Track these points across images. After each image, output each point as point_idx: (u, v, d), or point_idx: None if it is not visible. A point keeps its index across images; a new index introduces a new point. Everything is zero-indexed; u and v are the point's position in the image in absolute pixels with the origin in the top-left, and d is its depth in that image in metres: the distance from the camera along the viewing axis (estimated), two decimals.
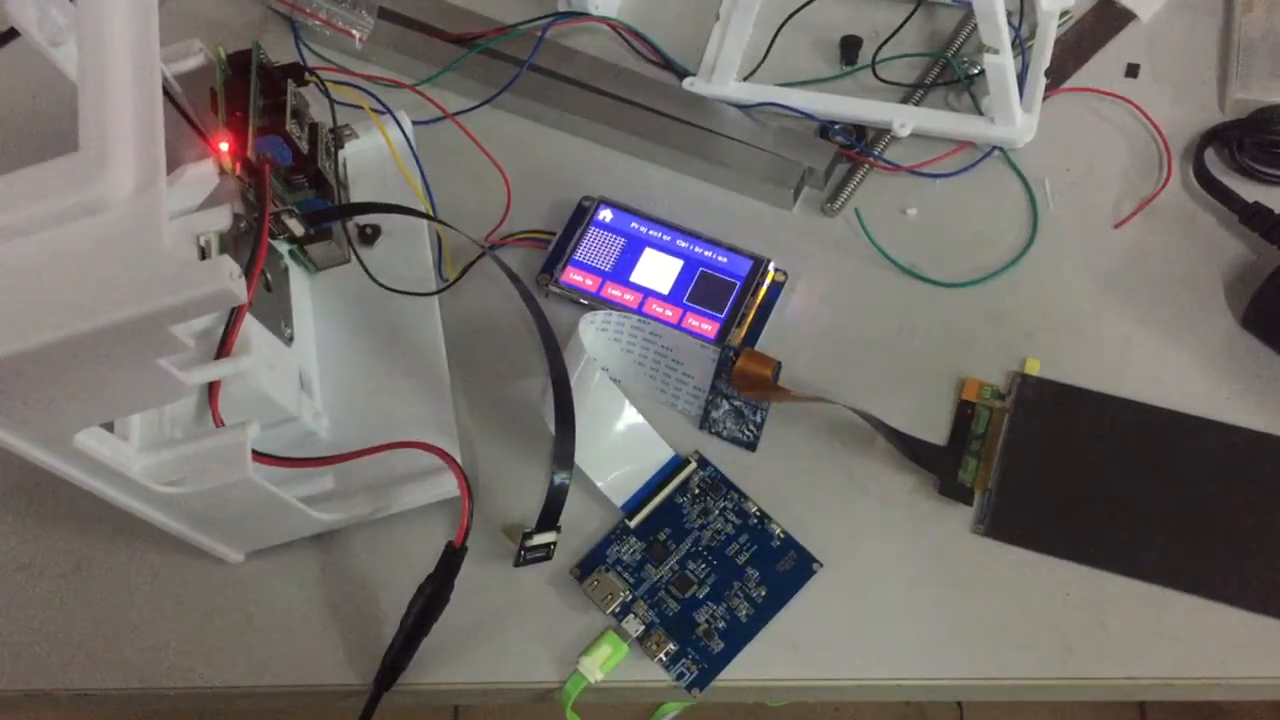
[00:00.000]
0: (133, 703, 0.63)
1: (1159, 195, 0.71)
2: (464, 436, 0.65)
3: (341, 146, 0.70)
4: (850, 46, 0.79)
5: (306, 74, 0.64)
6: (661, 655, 0.59)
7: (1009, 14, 0.68)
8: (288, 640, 0.62)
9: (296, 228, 0.62)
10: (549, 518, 0.59)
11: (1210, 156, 0.71)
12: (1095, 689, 0.58)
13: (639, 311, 0.68)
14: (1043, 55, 0.74)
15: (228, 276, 0.38)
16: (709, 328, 0.67)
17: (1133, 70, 0.77)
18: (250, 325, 0.57)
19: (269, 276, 0.63)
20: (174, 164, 0.61)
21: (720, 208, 0.73)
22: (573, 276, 0.69)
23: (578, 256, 0.70)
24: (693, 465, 0.64)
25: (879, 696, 0.59)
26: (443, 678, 0.60)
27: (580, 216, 0.72)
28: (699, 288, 0.68)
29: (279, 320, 0.63)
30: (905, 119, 0.73)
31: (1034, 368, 0.65)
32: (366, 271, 0.68)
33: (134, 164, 0.40)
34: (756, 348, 0.66)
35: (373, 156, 0.74)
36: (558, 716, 0.59)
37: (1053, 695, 0.59)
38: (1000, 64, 0.68)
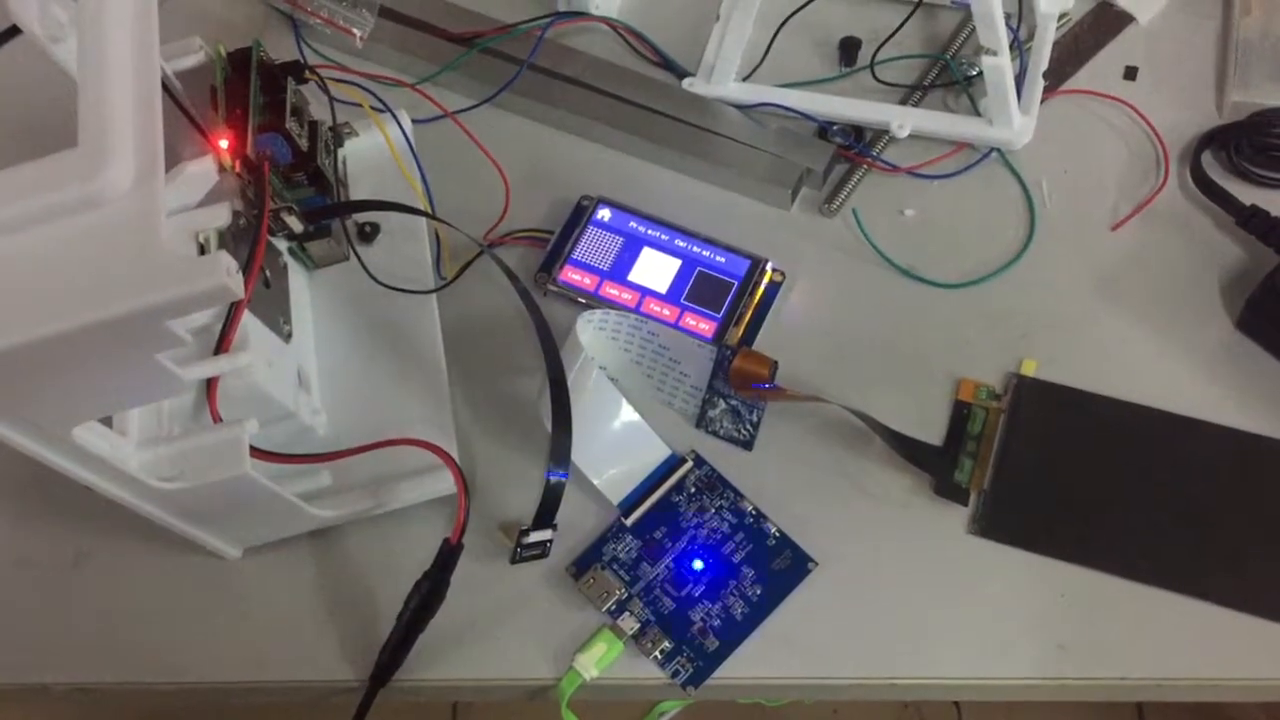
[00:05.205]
0: (128, 698, 0.63)
1: (1156, 198, 0.71)
2: (461, 434, 0.65)
3: (341, 144, 0.70)
4: (849, 47, 0.79)
5: (306, 72, 0.65)
6: (656, 653, 0.59)
7: (1007, 16, 0.68)
8: (284, 636, 0.62)
9: (296, 225, 0.63)
10: (545, 515, 0.59)
11: (1208, 159, 0.72)
12: (1089, 690, 0.58)
13: (637, 310, 0.68)
14: (1041, 57, 0.74)
15: (225, 272, 0.38)
16: (706, 327, 0.67)
17: (1131, 73, 0.77)
18: (249, 322, 0.58)
19: (268, 273, 0.63)
20: (174, 161, 0.61)
21: (718, 207, 0.73)
22: (571, 275, 0.70)
23: (576, 255, 0.70)
24: (689, 464, 0.64)
25: (873, 696, 0.59)
26: (439, 674, 0.60)
27: (579, 215, 0.72)
28: (697, 287, 0.69)
29: (277, 317, 0.63)
30: (903, 120, 0.74)
31: (1030, 369, 0.65)
32: (365, 269, 0.68)
33: (132, 160, 0.40)
34: (754, 347, 0.67)
35: (372, 155, 0.74)
36: (554, 714, 0.59)
37: (1046, 696, 0.59)
38: (998, 66, 0.68)
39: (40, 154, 0.40)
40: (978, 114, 0.75)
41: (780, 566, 0.61)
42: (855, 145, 0.74)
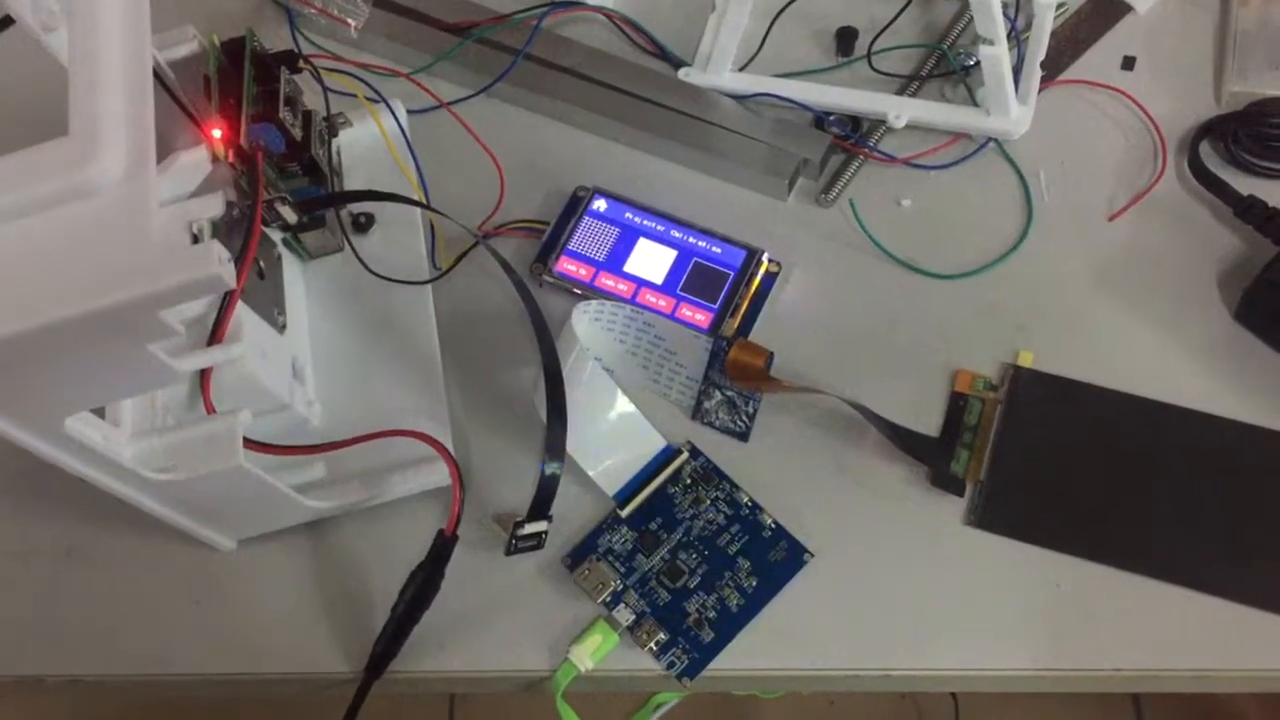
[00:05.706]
0: (122, 690, 0.63)
1: (1154, 188, 0.71)
2: (456, 425, 0.65)
3: (335, 135, 0.70)
4: (846, 37, 0.79)
5: (301, 61, 0.64)
6: (652, 644, 0.59)
7: (1005, 6, 0.68)
8: (279, 628, 0.62)
9: (290, 215, 0.62)
10: (540, 507, 0.59)
11: (1205, 149, 0.71)
12: (1085, 680, 0.58)
13: (632, 301, 0.68)
14: (1038, 47, 0.74)
15: (217, 261, 0.37)
16: (702, 318, 0.67)
17: (1128, 63, 0.77)
18: (243, 313, 0.57)
19: (262, 264, 0.63)
20: (167, 151, 0.60)
21: (715, 198, 0.73)
22: (566, 266, 0.69)
23: (571, 246, 0.70)
24: (685, 455, 0.64)
25: (869, 687, 0.59)
26: (433, 666, 0.60)
27: (574, 206, 0.72)
28: (693, 278, 0.68)
29: (272, 308, 0.63)
30: (900, 110, 0.73)
31: (1027, 360, 0.65)
32: (360, 260, 0.68)
33: (124, 149, 0.39)
34: (750, 338, 0.66)
35: (367, 145, 0.74)
36: (549, 705, 0.59)
37: (1042, 687, 0.59)
38: (996, 56, 0.68)
39: (32, 143, 0.40)
40: (975, 104, 0.75)
41: (776, 558, 0.61)
42: (852, 135, 0.74)
